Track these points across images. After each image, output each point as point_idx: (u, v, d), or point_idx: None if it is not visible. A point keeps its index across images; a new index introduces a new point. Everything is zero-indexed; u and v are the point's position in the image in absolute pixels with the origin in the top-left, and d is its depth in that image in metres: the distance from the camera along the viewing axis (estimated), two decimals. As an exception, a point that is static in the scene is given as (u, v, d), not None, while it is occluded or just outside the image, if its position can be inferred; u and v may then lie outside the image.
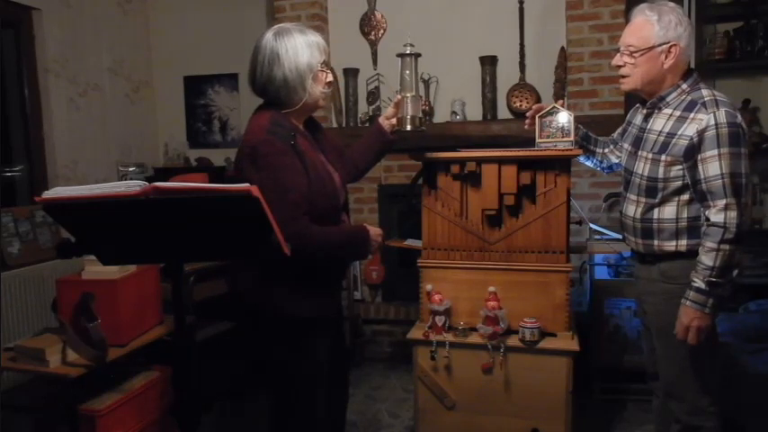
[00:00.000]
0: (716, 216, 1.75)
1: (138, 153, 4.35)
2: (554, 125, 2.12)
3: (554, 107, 2.14)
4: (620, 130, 2.13)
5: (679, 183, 1.82)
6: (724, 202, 1.74)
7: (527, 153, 2.06)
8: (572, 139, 2.10)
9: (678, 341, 1.82)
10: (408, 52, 2.04)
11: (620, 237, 2.27)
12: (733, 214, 1.74)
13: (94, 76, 3.99)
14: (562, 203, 2.01)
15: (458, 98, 3.60)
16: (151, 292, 2.59)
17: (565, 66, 3.38)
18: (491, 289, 2.05)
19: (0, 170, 3.50)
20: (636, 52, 1.83)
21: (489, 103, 3.57)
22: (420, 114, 2.06)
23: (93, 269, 2.39)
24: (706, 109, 1.77)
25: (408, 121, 2.03)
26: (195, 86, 4.48)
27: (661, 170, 1.83)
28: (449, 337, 2.07)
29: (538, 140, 2.16)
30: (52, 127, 3.65)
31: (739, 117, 1.76)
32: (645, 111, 1.94)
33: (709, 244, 1.74)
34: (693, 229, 1.83)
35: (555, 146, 2.11)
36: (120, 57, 4.21)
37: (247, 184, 1.28)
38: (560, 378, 1.98)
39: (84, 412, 2.27)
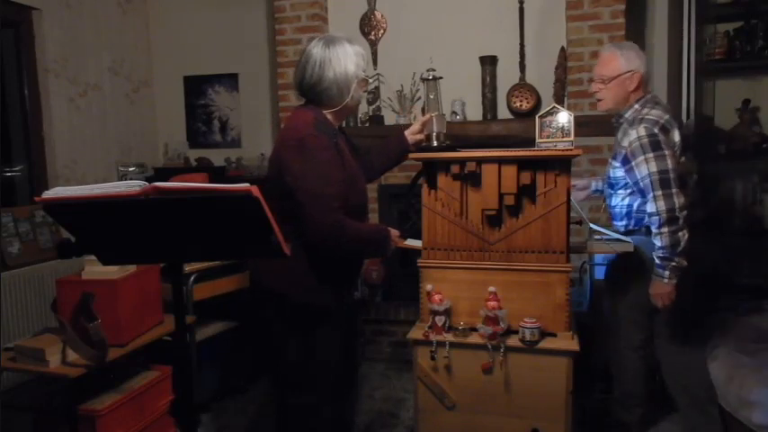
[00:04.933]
0: (650, 207, 2.21)
1: (138, 153, 4.35)
2: (554, 125, 2.12)
3: (554, 107, 2.14)
4: None
5: (623, 180, 2.34)
6: (651, 194, 2.19)
7: (527, 153, 2.06)
8: (572, 139, 2.11)
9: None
10: (431, 77, 2.24)
11: (619, 237, 2.29)
12: (661, 203, 2.17)
13: (94, 76, 3.99)
14: (562, 203, 2.01)
15: (458, 98, 3.60)
16: (151, 292, 2.59)
17: (565, 66, 3.38)
18: (491, 289, 2.04)
19: (0, 170, 3.50)
20: (608, 79, 2.33)
21: (489, 103, 3.57)
22: (444, 130, 2.24)
23: (93, 269, 2.39)
24: (635, 126, 2.25)
25: (434, 137, 2.22)
26: (195, 86, 4.48)
27: (611, 171, 2.39)
28: (449, 337, 2.06)
29: (538, 140, 2.16)
30: (52, 127, 3.65)
31: (656, 129, 2.21)
32: (614, 126, 2.44)
33: (654, 230, 2.21)
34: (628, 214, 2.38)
35: (555, 146, 2.11)
36: (120, 57, 4.22)
37: (247, 184, 1.28)
38: (560, 378, 1.98)
39: (83, 412, 2.27)
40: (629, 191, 2.36)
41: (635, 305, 2.41)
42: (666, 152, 2.18)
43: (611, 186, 2.43)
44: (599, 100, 2.39)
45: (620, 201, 2.40)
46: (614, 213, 2.46)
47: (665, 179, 2.17)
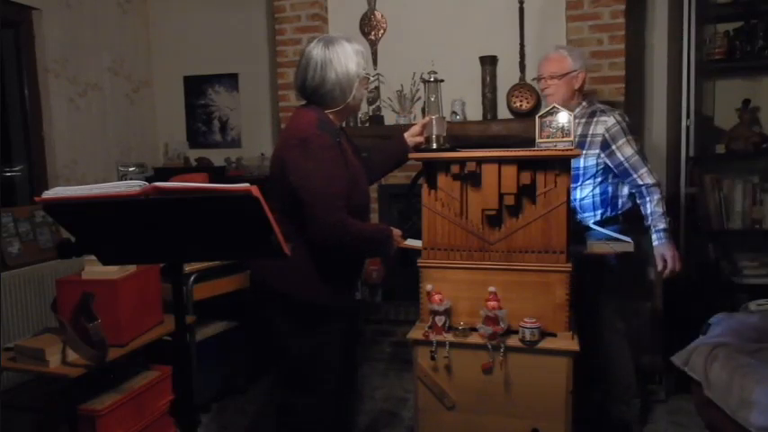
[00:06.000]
0: (647, 180, 2.44)
1: (138, 153, 4.35)
2: (554, 125, 2.12)
3: (554, 107, 2.14)
4: None
5: (593, 170, 2.50)
6: (645, 169, 2.44)
7: (527, 153, 2.06)
8: (572, 139, 2.11)
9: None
10: (432, 79, 2.22)
11: (619, 237, 2.29)
12: (652, 176, 2.45)
13: (94, 76, 3.99)
14: (562, 203, 2.01)
15: (458, 98, 3.60)
16: (151, 292, 2.59)
17: (565, 66, 3.37)
18: (491, 289, 2.04)
19: (0, 170, 3.50)
20: (559, 76, 2.51)
21: (489, 103, 3.57)
22: (444, 133, 2.22)
23: (93, 269, 2.39)
24: (606, 114, 2.49)
25: (434, 139, 2.20)
26: (195, 86, 4.48)
27: (581, 161, 2.50)
28: (449, 337, 2.06)
29: (538, 140, 2.16)
30: (52, 127, 3.65)
31: (626, 117, 2.53)
32: None
33: (655, 199, 2.44)
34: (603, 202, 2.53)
35: (555, 146, 2.11)
36: (120, 57, 4.21)
37: (247, 184, 1.28)
38: (560, 378, 1.98)
39: (83, 412, 2.27)
40: (599, 179, 2.51)
41: (615, 293, 2.60)
42: (635, 135, 2.51)
43: (575, 179, 2.52)
44: (548, 96, 2.57)
45: (590, 191, 2.52)
46: (582, 205, 2.54)
47: (644, 156, 2.48)
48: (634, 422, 2.67)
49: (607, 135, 2.45)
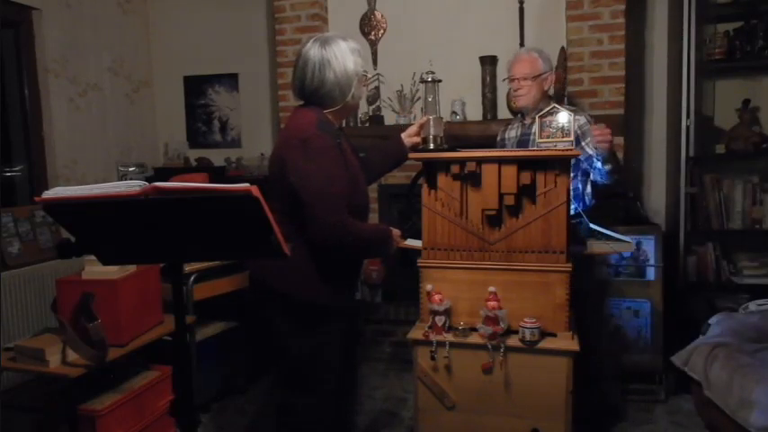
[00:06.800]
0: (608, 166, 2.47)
1: (138, 153, 4.35)
2: (554, 125, 2.12)
3: (554, 107, 2.14)
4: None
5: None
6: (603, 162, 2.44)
7: (527, 153, 2.06)
8: (572, 139, 2.11)
9: None
10: (430, 80, 2.22)
11: (620, 237, 2.29)
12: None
13: (94, 76, 3.99)
14: (562, 203, 2.01)
15: (458, 98, 3.60)
16: (151, 292, 2.59)
17: (565, 66, 3.38)
18: (491, 289, 2.04)
19: (0, 170, 3.50)
20: (532, 78, 2.52)
21: (489, 103, 3.57)
22: (442, 134, 2.20)
23: (93, 269, 2.39)
24: (577, 114, 2.45)
25: (431, 140, 2.19)
26: (195, 86, 4.48)
27: None
28: (449, 337, 2.06)
29: (538, 140, 2.16)
30: (52, 127, 3.65)
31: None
32: (529, 121, 2.60)
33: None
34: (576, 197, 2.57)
35: (555, 146, 2.11)
36: (120, 57, 4.21)
37: (247, 184, 1.28)
38: (560, 378, 1.98)
39: (83, 412, 2.27)
40: (571, 174, 2.51)
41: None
42: None
43: None
44: (519, 97, 2.59)
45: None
46: None
47: None
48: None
49: (579, 132, 2.51)
